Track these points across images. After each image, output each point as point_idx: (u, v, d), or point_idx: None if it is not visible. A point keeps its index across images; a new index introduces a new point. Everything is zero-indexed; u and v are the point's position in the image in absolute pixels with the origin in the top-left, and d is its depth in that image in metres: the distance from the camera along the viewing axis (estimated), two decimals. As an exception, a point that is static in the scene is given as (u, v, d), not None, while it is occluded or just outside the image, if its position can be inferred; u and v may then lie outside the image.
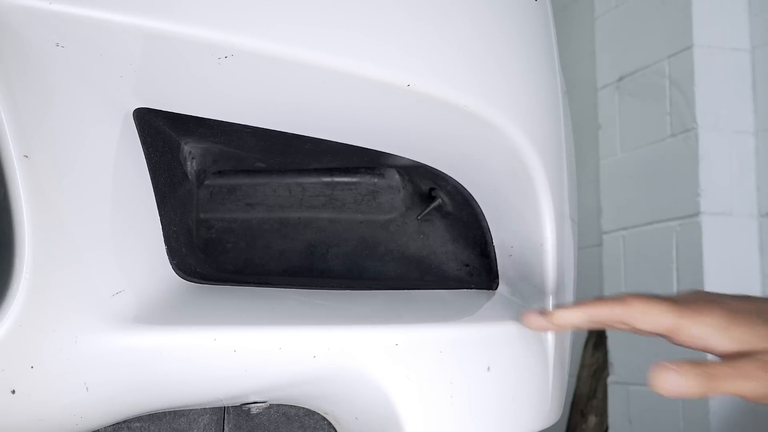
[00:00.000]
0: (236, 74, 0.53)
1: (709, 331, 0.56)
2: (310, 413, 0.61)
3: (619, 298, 0.58)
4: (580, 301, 0.60)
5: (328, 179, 0.81)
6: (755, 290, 2.19)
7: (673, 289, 2.26)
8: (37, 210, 0.46)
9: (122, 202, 0.52)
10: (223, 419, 0.60)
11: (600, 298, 0.59)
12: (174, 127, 0.60)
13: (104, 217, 0.50)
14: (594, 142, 2.64)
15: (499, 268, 0.72)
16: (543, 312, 0.60)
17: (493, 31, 0.62)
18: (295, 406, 0.60)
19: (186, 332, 0.51)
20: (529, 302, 0.70)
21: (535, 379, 0.65)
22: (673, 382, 0.52)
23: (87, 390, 0.49)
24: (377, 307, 0.63)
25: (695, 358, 0.53)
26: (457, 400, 0.58)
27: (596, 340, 2.70)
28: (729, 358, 0.55)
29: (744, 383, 0.53)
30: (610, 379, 2.55)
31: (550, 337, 0.68)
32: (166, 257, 0.56)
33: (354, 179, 0.81)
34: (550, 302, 0.69)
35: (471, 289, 0.71)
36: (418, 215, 0.77)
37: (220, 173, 0.79)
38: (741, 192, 2.13)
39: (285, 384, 0.55)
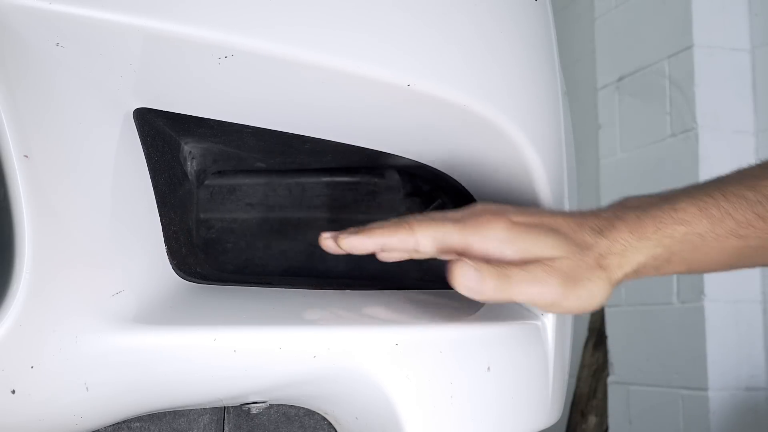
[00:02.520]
0: (236, 74, 0.53)
1: (496, 244, 0.57)
2: (310, 413, 0.61)
3: (404, 223, 0.57)
4: (371, 227, 0.58)
5: (328, 179, 0.81)
6: (755, 284, 2.19)
7: (674, 290, 2.26)
8: (37, 210, 0.46)
9: (122, 202, 0.52)
10: (223, 419, 0.60)
11: (388, 224, 0.58)
12: (174, 127, 0.60)
13: (104, 217, 0.50)
14: (594, 142, 2.64)
15: (499, 268, 0.72)
16: (335, 235, 0.59)
17: (493, 31, 0.61)
18: (295, 406, 0.60)
19: (186, 332, 0.51)
20: (529, 302, 0.70)
21: (535, 379, 0.65)
22: (472, 278, 0.53)
23: (87, 390, 0.49)
24: (377, 307, 0.63)
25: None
26: (457, 400, 0.58)
27: (596, 340, 2.70)
28: (521, 263, 0.56)
29: (533, 287, 0.55)
30: (610, 379, 2.55)
31: (550, 337, 0.68)
32: (166, 257, 0.56)
33: (354, 179, 0.81)
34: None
35: (471, 289, 0.71)
36: (418, 215, 0.77)
37: (220, 173, 0.78)
38: (741, 192, 2.13)
39: (285, 384, 0.55)
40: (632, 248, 0.58)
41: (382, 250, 0.58)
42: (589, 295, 0.57)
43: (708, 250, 0.60)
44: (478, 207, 0.60)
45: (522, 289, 0.55)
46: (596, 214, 0.60)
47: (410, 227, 0.57)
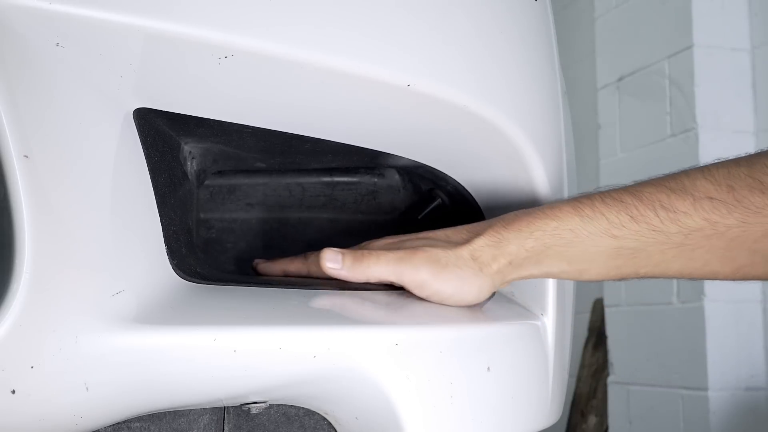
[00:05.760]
0: (236, 74, 0.53)
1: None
2: (310, 413, 0.61)
3: (302, 256, 0.68)
4: (281, 259, 0.70)
5: (328, 179, 0.81)
6: (755, 284, 2.19)
7: (674, 292, 2.26)
8: (37, 210, 0.46)
9: (122, 202, 0.52)
10: (223, 419, 0.60)
11: (293, 258, 0.69)
12: (174, 127, 0.60)
13: (104, 217, 0.50)
14: (594, 142, 2.65)
15: (499, 268, 0.72)
16: (256, 261, 0.71)
17: (493, 31, 0.62)
18: (295, 406, 0.60)
19: (186, 332, 0.51)
20: (529, 302, 0.70)
21: (535, 379, 0.65)
22: (332, 258, 0.63)
23: (87, 390, 0.49)
24: (377, 307, 0.63)
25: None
26: (457, 400, 0.58)
27: (596, 340, 2.70)
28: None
29: (380, 267, 0.63)
30: (610, 379, 2.55)
31: (550, 337, 0.68)
32: (166, 257, 0.55)
33: (354, 179, 0.81)
34: (550, 302, 0.69)
35: (471, 289, 0.71)
36: (418, 215, 0.77)
37: (220, 173, 0.78)
38: (741, 192, 2.13)
39: (285, 384, 0.55)
40: (505, 240, 0.63)
41: (285, 274, 0.69)
42: (461, 283, 0.62)
43: (583, 247, 0.64)
44: (365, 243, 0.68)
45: (372, 268, 0.63)
46: (480, 222, 0.66)
47: (305, 258, 0.68)
